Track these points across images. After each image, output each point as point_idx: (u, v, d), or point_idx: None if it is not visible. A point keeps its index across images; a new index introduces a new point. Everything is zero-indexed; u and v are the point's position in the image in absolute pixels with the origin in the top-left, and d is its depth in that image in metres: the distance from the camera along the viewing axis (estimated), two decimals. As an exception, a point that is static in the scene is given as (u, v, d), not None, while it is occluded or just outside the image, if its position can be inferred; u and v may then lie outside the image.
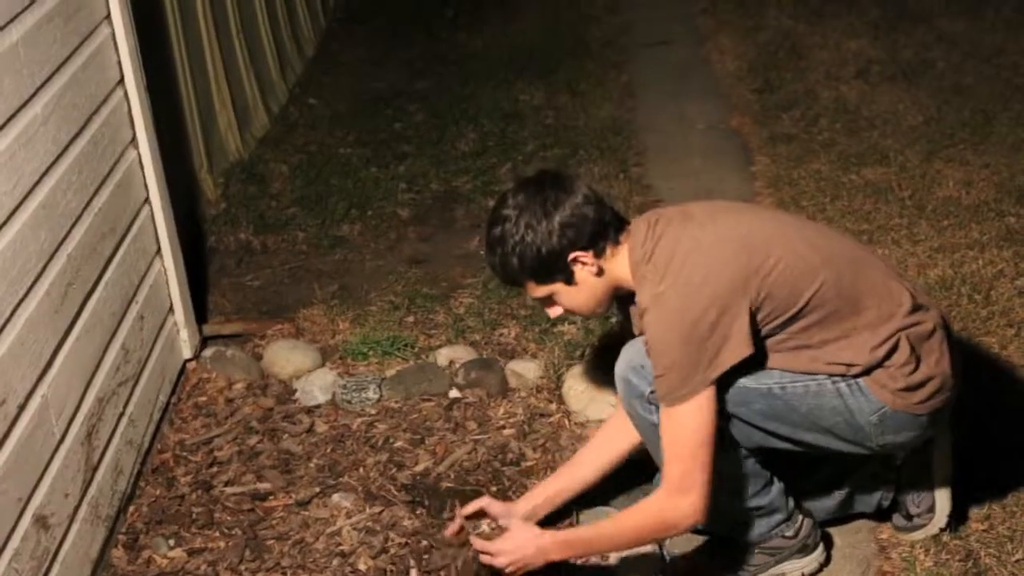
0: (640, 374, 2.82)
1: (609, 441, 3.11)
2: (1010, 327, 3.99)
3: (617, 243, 2.80)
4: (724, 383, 2.71)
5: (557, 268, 2.78)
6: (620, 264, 2.80)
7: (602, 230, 2.77)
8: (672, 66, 7.09)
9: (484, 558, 2.86)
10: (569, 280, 2.80)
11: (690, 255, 2.69)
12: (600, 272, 2.80)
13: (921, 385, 2.76)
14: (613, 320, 4.05)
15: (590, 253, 2.77)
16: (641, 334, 2.78)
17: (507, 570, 2.81)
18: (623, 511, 2.86)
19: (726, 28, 7.55)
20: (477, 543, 2.89)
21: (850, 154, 5.52)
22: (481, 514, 3.07)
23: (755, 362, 2.74)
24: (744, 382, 2.77)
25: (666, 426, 2.68)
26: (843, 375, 2.76)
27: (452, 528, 3.08)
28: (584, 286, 2.82)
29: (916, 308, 2.78)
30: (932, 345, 2.77)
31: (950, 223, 4.78)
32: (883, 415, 2.77)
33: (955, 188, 5.08)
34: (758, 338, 2.69)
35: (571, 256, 2.76)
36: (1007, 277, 4.31)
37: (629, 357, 2.88)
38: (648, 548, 3.05)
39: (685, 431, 2.65)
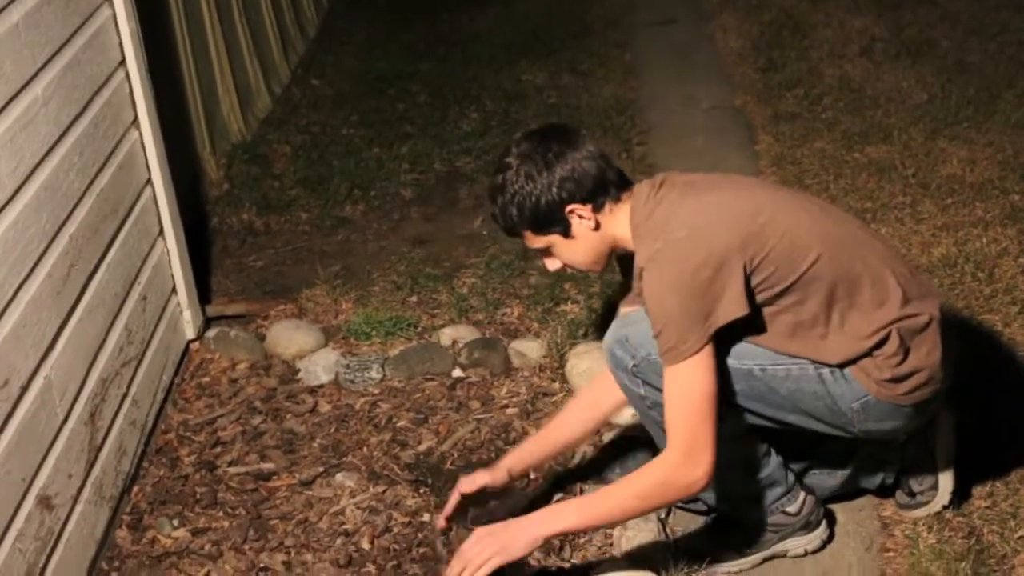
0: (624, 347, 2.83)
1: (595, 398, 3.12)
2: (1014, 305, 3.99)
3: (618, 200, 2.80)
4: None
5: (554, 220, 2.79)
6: (620, 222, 2.80)
7: (603, 186, 2.78)
8: (675, 45, 7.08)
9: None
10: (566, 232, 2.81)
11: (690, 216, 2.69)
12: (597, 227, 2.80)
13: (907, 377, 2.74)
14: (616, 299, 4.05)
15: (588, 207, 2.77)
16: (640, 295, 2.77)
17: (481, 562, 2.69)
18: (625, 478, 2.77)
19: (730, 7, 7.52)
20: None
21: (854, 132, 5.51)
22: (481, 490, 3.07)
23: (746, 333, 2.75)
24: (728, 361, 2.77)
25: (669, 386, 2.65)
26: (833, 364, 2.76)
27: (448, 508, 3.08)
28: (581, 240, 2.83)
29: (909, 300, 2.75)
30: (925, 337, 2.75)
31: (954, 201, 4.77)
32: (866, 403, 2.77)
33: (959, 166, 5.07)
34: (753, 304, 2.68)
35: (568, 208, 2.77)
36: (1011, 255, 4.30)
37: (615, 330, 2.90)
38: (653, 535, 3.04)
39: (687, 390, 2.63)
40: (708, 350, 2.62)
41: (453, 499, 3.08)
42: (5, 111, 2.84)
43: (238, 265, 4.73)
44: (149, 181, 3.85)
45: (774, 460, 2.95)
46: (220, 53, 5.78)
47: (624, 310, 3.04)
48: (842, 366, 2.75)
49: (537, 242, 2.86)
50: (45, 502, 2.87)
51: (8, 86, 2.87)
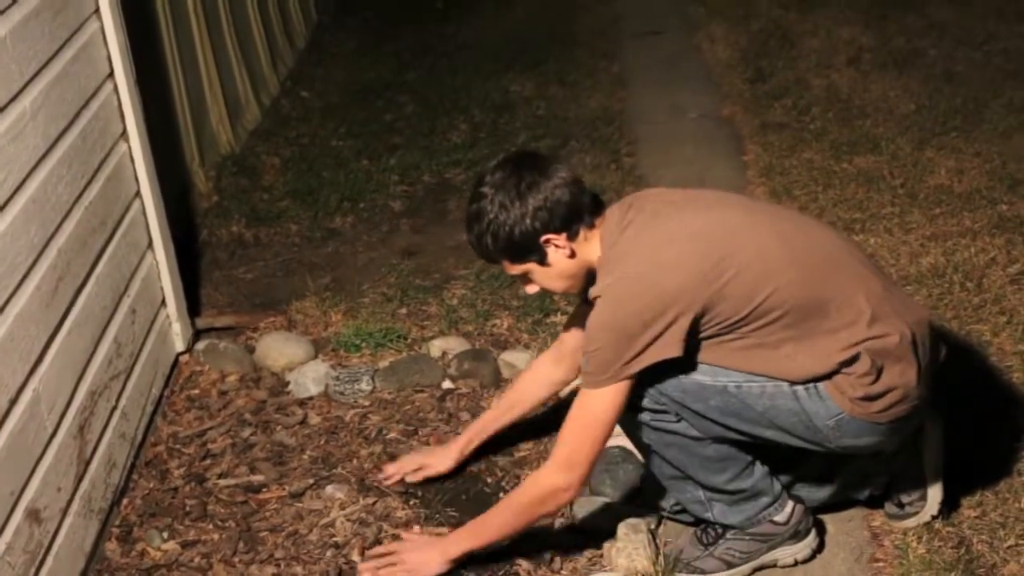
0: None
1: (547, 371, 3.34)
2: (1002, 315, 4.00)
3: (592, 227, 2.83)
4: (682, 372, 2.79)
5: (530, 249, 2.82)
6: (593, 248, 2.84)
7: (576, 214, 2.81)
8: (663, 56, 7.10)
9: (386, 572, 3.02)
10: (542, 261, 2.85)
11: (648, 251, 2.74)
12: (573, 255, 2.83)
13: (881, 395, 2.75)
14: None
15: (563, 236, 2.80)
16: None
17: None
18: (507, 495, 3.04)
19: (717, 17, 7.55)
20: (371, 570, 3.04)
21: (842, 142, 5.53)
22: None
23: (707, 355, 2.80)
24: (700, 378, 2.79)
25: (574, 405, 2.79)
26: (802, 380, 2.77)
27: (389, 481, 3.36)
28: (557, 267, 2.86)
29: (877, 319, 2.75)
30: (898, 356, 2.75)
31: (942, 211, 4.78)
32: (840, 420, 2.78)
33: (947, 176, 5.09)
34: (694, 340, 2.74)
35: (544, 238, 2.80)
36: (999, 265, 4.31)
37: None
38: (643, 546, 3.04)
39: (588, 415, 2.76)
40: (623, 385, 2.72)
41: (391, 472, 3.40)
42: (-7, 124, 2.84)
43: (227, 277, 4.72)
44: (138, 193, 3.84)
45: (759, 470, 2.96)
46: (209, 65, 5.78)
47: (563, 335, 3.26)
48: (815, 381, 2.76)
49: (514, 270, 2.90)
50: (34, 515, 2.86)
51: (-4, 99, 2.87)
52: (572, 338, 3.21)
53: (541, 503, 2.87)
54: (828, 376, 2.75)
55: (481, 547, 2.97)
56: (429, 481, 3.40)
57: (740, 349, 2.77)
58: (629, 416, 2.86)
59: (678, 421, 2.85)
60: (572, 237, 2.81)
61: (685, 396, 2.81)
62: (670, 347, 2.68)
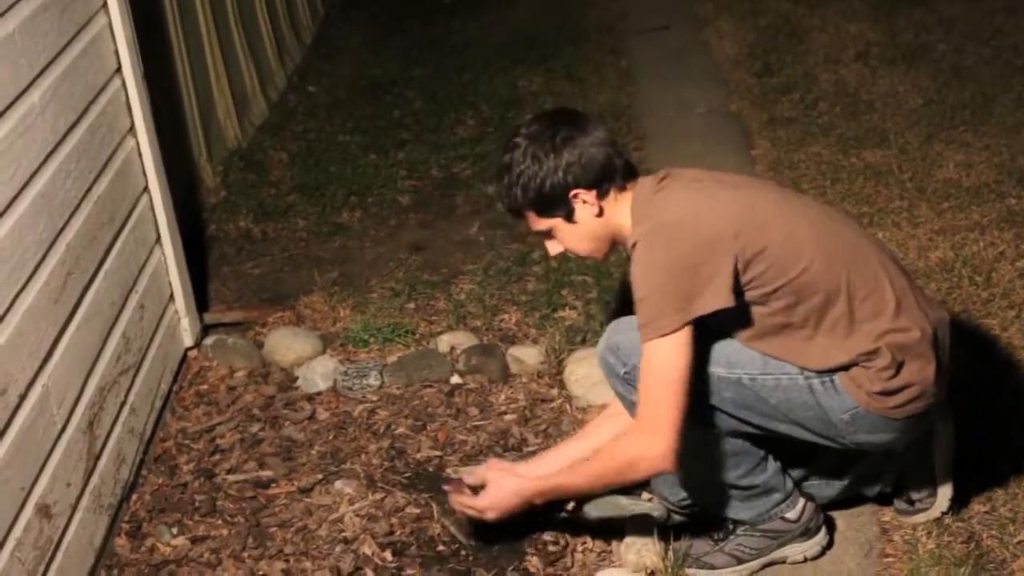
0: (616, 354, 2.85)
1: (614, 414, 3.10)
2: (1011, 309, 3.99)
3: (623, 189, 2.81)
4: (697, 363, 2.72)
5: (558, 203, 2.79)
6: (622, 211, 2.81)
7: (608, 174, 2.78)
8: (671, 51, 7.09)
9: (469, 513, 2.99)
10: (569, 217, 2.82)
11: (686, 203, 2.72)
12: (600, 213, 2.81)
13: (899, 391, 2.74)
14: (614, 305, 4.05)
15: (593, 193, 2.78)
16: None
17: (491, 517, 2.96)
18: (596, 453, 2.86)
19: (725, 12, 7.54)
20: (459, 501, 3.00)
21: (850, 137, 5.52)
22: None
23: (733, 325, 2.77)
24: (715, 370, 2.78)
25: (642, 362, 2.69)
26: (817, 371, 2.76)
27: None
28: (583, 225, 2.83)
29: (901, 312, 2.74)
30: (918, 352, 2.74)
31: (950, 205, 4.77)
32: (855, 415, 2.77)
33: (955, 170, 5.08)
34: (740, 300, 2.69)
35: (573, 193, 2.77)
36: (1008, 259, 4.30)
37: (607, 338, 2.93)
38: (653, 542, 3.04)
39: (657, 367, 2.65)
40: (685, 333, 2.63)
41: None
42: (2, 119, 2.84)
43: (236, 272, 4.72)
44: (146, 188, 3.84)
45: (772, 466, 2.95)
46: (216, 60, 5.78)
47: None
48: (830, 372, 2.75)
49: (540, 224, 2.87)
50: (44, 511, 2.86)
51: (4, 94, 2.86)
52: None
53: (626, 470, 2.74)
54: (846, 367, 2.74)
55: (558, 497, 2.94)
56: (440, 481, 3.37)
57: (769, 324, 2.75)
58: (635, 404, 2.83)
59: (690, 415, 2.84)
60: (602, 196, 2.79)
61: (698, 388, 2.78)
62: (721, 295, 2.62)
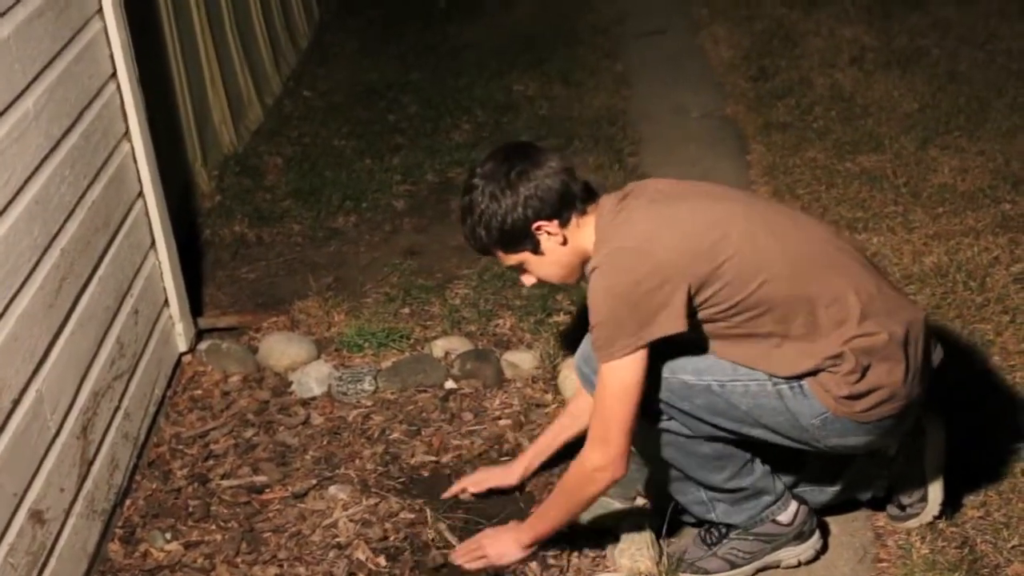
0: (590, 364, 2.88)
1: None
2: (1005, 314, 3.99)
3: (584, 214, 2.84)
4: (669, 372, 2.81)
5: (522, 237, 2.84)
6: (586, 235, 2.84)
7: (567, 201, 2.82)
8: (667, 55, 7.10)
9: (478, 564, 3.02)
10: (536, 249, 2.86)
11: (643, 227, 2.75)
12: (565, 241, 2.84)
13: (866, 394, 2.74)
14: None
15: (554, 223, 2.82)
16: None
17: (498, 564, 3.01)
18: (559, 481, 2.98)
19: (720, 17, 7.55)
20: (463, 557, 3.05)
21: (845, 142, 5.52)
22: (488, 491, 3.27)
23: (697, 348, 2.82)
24: (684, 377, 2.81)
25: (599, 382, 2.76)
26: (785, 377, 2.77)
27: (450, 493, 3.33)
28: (550, 255, 2.87)
29: (867, 317, 2.74)
30: (885, 355, 2.74)
31: (945, 210, 4.78)
32: (825, 419, 2.77)
33: (950, 175, 5.09)
34: (694, 320, 2.74)
35: (535, 226, 2.81)
36: (1002, 264, 4.31)
37: (583, 349, 3.01)
38: (646, 547, 3.04)
39: (608, 387, 2.73)
40: (638, 355, 2.69)
41: (455, 489, 3.32)
42: (-4, 125, 2.84)
43: (230, 277, 4.72)
44: (141, 194, 3.84)
45: (759, 468, 2.96)
46: (211, 65, 5.78)
47: None
48: (798, 378, 2.76)
49: (509, 260, 2.92)
50: (37, 516, 2.86)
51: (-1, 100, 2.87)
52: None
53: (585, 484, 2.83)
54: (813, 373, 2.75)
55: (549, 532, 2.95)
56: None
57: (732, 336, 2.78)
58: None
59: (669, 420, 2.87)
60: (564, 224, 2.83)
61: (672, 395, 2.83)
62: (674, 321, 2.68)
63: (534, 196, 2.78)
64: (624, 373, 2.70)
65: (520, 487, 3.35)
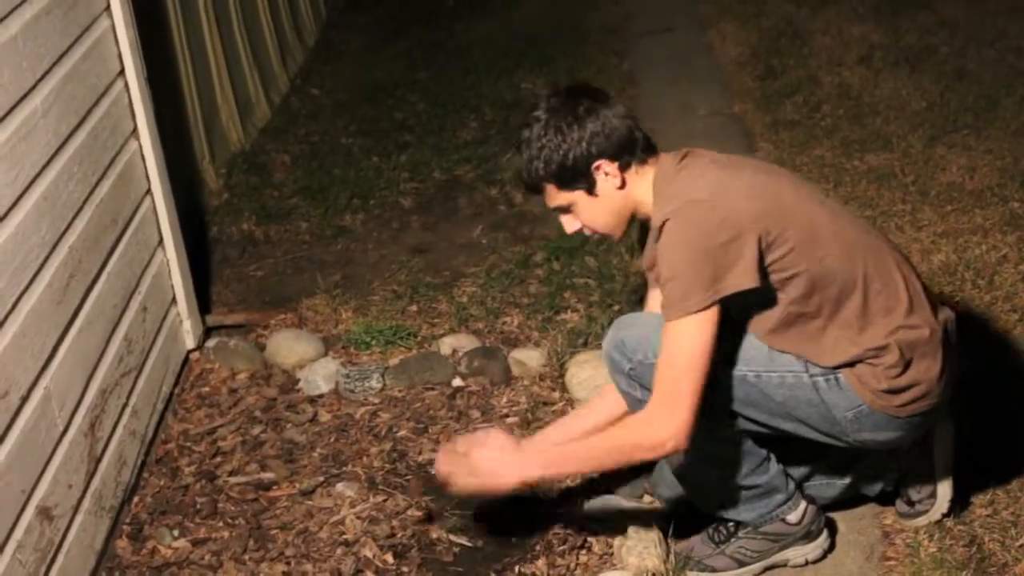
0: (622, 351, 2.82)
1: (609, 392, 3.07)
2: (1013, 312, 3.99)
3: (643, 163, 2.79)
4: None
5: (580, 175, 2.76)
6: (643, 185, 2.78)
7: (631, 146, 2.76)
8: (674, 53, 7.09)
9: (466, 483, 2.80)
10: (591, 190, 2.78)
11: (712, 183, 2.69)
12: (623, 185, 2.78)
13: (904, 389, 2.73)
14: (615, 308, 4.05)
15: (615, 164, 2.75)
16: (649, 269, 2.85)
17: (468, 481, 2.78)
18: (608, 430, 2.81)
19: (728, 15, 7.54)
20: (447, 466, 2.83)
21: (853, 140, 5.51)
22: None
23: (748, 312, 2.75)
24: (719, 366, 2.76)
25: (663, 341, 2.65)
26: (823, 369, 2.75)
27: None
28: (604, 199, 2.79)
29: (913, 310, 2.74)
30: (926, 351, 2.74)
31: (954, 208, 4.77)
32: (859, 412, 2.76)
33: (958, 173, 5.07)
34: (764, 282, 2.67)
35: (596, 164, 2.75)
36: (1011, 262, 4.30)
37: (613, 334, 2.88)
38: (654, 544, 3.03)
39: (679, 347, 2.62)
40: (711, 313, 2.60)
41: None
42: (4, 122, 2.84)
43: (238, 275, 4.73)
44: (149, 191, 3.85)
45: (774, 467, 2.95)
46: (219, 63, 5.78)
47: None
48: (835, 370, 2.74)
49: (559, 198, 2.83)
50: (45, 513, 2.86)
51: (7, 97, 2.87)
52: None
53: (638, 451, 2.69)
54: (852, 364, 2.74)
55: (561, 477, 2.80)
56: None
57: (783, 314, 2.73)
58: (644, 404, 2.80)
59: None
60: (623, 168, 2.77)
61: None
62: (748, 275, 2.61)
63: (600, 134, 2.73)
64: (697, 332, 2.60)
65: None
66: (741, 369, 2.78)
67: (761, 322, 2.78)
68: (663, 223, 2.66)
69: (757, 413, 2.83)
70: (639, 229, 2.97)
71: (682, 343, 2.63)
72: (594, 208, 2.82)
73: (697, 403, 2.61)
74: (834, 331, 2.74)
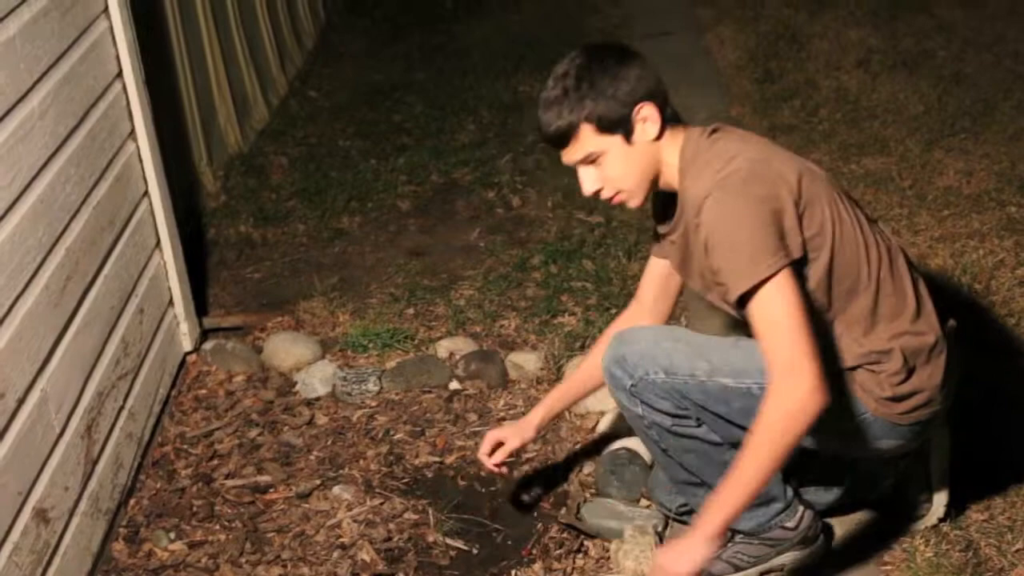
0: (623, 367, 2.80)
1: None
2: (1010, 317, 3.99)
3: (675, 127, 2.73)
4: (698, 374, 2.73)
5: (623, 116, 2.65)
6: (672, 149, 2.71)
7: (667, 98, 2.71)
8: (672, 57, 7.06)
9: None
10: (628, 136, 2.67)
11: (753, 153, 2.64)
12: (660, 135, 2.69)
13: (907, 396, 2.72)
14: (613, 311, 4.05)
15: (657, 111, 2.67)
16: (665, 257, 2.86)
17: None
18: (747, 438, 2.54)
19: (726, 18, 7.54)
20: None
21: (850, 144, 5.52)
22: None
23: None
24: (723, 381, 2.74)
25: (755, 316, 2.53)
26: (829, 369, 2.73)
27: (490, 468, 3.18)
28: (638, 149, 2.68)
29: (920, 315, 2.73)
30: (929, 357, 2.73)
31: (951, 213, 4.77)
32: (863, 421, 2.76)
33: (956, 177, 5.08)
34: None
35: (640, 106, 2.65)
36: (1007, 267, 4.30)
37: (613, 349, 2.84)
38: (650, 549, 3.03)
39: (770, 313, 2.51)
40: (785, 275, 2.51)
41: (490, 465, 3.16)
42: (1, 124, 2.84)
43: (235, 277, 4.73)
44: (146, 193, 3.85)
45: (774, 476, 2.94)
46: (217, 65, 5.78)
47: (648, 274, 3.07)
48: (838, 373, 2.72)
49: (592, 144, 2.68)
50: (41, 515, 2.86)
51: (4, 99, 2.86)
52: (650, 290, 3.07)
53: (794, 421, 2.47)
54: (853, 369, 2.72)
55: (743, 507, 2.57)
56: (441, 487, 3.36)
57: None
58: (648, 418, 2.83)
59: (699, 426, 2.82)
60: (662, 115, 2.69)
61: (707, 399, 2.76)
62: (800, 243, 2.56)
63: (648, 76, 2.67)
64: (780, 293, 2.50)
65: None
66: (745, 382, 2.74)
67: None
68: (705, 197, 2.58)
69: None
70: (655, 204, 2.93)
71: (774, 310, 2.51)
72: (626, 160, 2.69)
73: (814, 350, 2.48)
74: (840, 328, 2.71)
